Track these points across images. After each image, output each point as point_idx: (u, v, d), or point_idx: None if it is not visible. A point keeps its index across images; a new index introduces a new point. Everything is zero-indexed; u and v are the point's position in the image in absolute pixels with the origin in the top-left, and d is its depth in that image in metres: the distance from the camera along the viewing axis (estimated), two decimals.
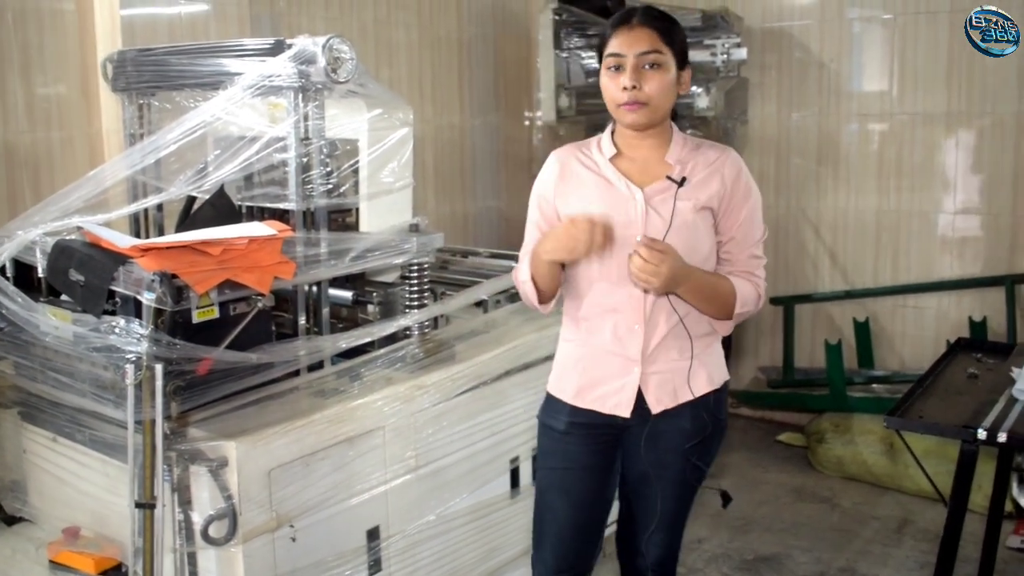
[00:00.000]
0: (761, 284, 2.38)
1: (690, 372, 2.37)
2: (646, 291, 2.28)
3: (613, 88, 2.28)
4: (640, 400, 2.37)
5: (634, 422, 2.39)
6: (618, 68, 2.26)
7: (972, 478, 2.61)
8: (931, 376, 3.06)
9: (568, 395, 2.45)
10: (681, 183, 2.29)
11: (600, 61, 2.33)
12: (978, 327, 4.79)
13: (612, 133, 2.41)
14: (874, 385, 5.04)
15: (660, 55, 2.25)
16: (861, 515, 4.33)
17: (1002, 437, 2.46)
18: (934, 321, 5.07)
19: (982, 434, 2.49)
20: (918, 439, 3.89)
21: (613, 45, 2.28)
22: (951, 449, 2.63)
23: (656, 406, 2.36)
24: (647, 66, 2.25)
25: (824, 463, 4.76)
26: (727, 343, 5.13)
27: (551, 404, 2.51)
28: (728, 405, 2.50)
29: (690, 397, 2.37)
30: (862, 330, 5.16)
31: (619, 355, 2.36)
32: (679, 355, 2.35)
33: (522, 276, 2.39)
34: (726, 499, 2.52)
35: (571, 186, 2.38)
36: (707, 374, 2.40)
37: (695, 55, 4.83)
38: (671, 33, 2.29)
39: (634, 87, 2.23)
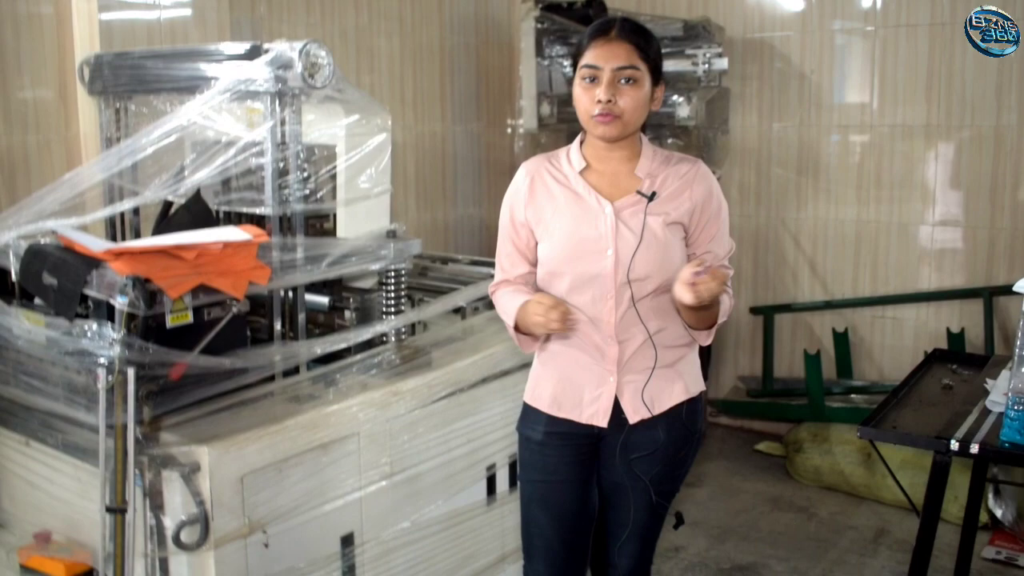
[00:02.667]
0: (731, 295, 2.39)
1: (666, 381, 2.38)
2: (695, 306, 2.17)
3: (587, 100, 2.28)
4: (617, 410, 2.37)
5: (610, 432, 2.39)
6: (593, 80, 2.26)
7: (944, 488, 2.62)
8: (906, 387, 3.07)
9: (544, 404, 2.45)
10: (651, 198, 2.29)
11: (574, 69, 2.33)
12: (956, 338, 4.82)
13: (581, 144, 2.41)
14: (852, 395, 5.06)
15: (636, 71, 2.25)
16: (838, 525, 4.34)
17: (974, 448, 2.47)
18: (913, 332, 5.09)
19: (954, 445, 2.50)
20: (894, 450, 3.91)
21: (589, 56, 2.27)
22: (927, 460, 2.65)
23: (633, 415, 2.36)
24: (623, 81, 2.25)
25: (802, 473, 4.77)
26: (706, 353, 5.17)
27: (528, 414, 2.52)
28: (704, 415, 2.51)
29: (667, 406, 2.38)
30: (841, 340, 5.18)
31: (596, 364, 2.36)
32: (655, 364, 2.35)
33: (507, 319, 2.43)
34: (679, 521, 2.54)
35: (542, 199, 2.38)
36: (684, 384, 2.41)
37: (677, 64, 4.86)
38: (648, 49, 2.28)
39: (609, 101, 2.23)
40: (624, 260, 2.27)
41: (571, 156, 2.40)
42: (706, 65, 4.83)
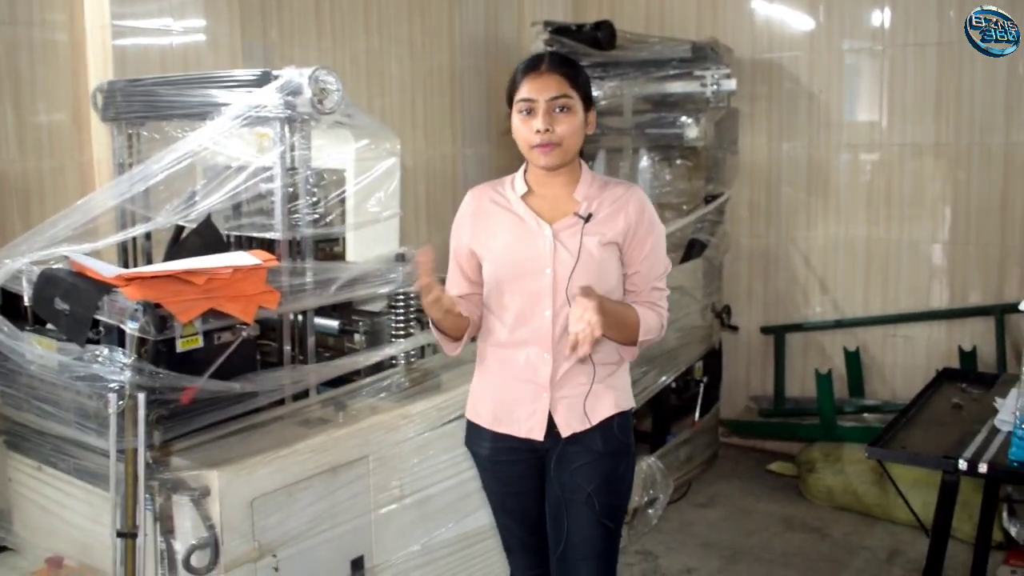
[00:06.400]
0: (664, 314, 2.46)
1: (598, 395, 2.44)
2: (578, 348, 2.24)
3: (526, 131, 2.37)
4: (552, 424, 2.43)
5: (550, 445, 2.45)
6: (530, 112, 2.36)
7: (953, 508, 2.61)
8: (915, 406, 3.06)
9: (486, 421, 2.51)
10: (587, 219, 2.39)
11: (510, 104, 2.42)
12: (968, 357, 4.79)
13: (524, 172, 2.49)
14: (865, 414, 5.03)
15: (569, 99, 2.35)
16: (851, 545, 4.32)
17: (983, 468, 2.47)
18: (924, 351, 5.07)
19: (963, 464, 2.49)
20: (907, 469, 3.89)
21: (524, 90, 2.37)
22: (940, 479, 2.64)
23: (565, 429, 2.43)
24: (557, 110, 2.35)
25: (814, 493, 4.75)
26: (717, 372, 5.16)
27: (472, 431, 2.58)
28: (632, 431, 2.55)
29: (599, 419, 2.43)
30: (853, 359, 5.17)
31: (530, 381, 2.43)
32: (586, 380, 2.42)
33: (432, 323, 2.48)
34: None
35: (484, 223, 2.47)
36: (614, 398, 2.46)
37: (685, 85, 4.89)
38: (577, 78, 2.39)
39: (547, 130, 2.33)
40: (562, 279, 2.37)
41: (515, 182, 2.49)
42: (714, 86, 4.85)
